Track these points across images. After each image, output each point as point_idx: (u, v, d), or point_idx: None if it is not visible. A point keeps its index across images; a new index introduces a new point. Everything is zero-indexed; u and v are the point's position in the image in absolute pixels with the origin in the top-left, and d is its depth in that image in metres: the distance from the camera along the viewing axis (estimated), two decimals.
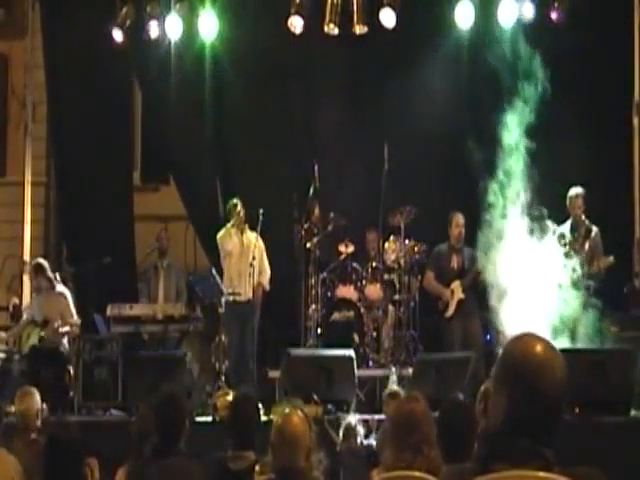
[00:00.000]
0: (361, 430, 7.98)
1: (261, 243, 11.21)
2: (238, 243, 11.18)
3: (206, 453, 5.37)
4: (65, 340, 10.89)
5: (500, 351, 2.48)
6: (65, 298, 10.96)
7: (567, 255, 10.38)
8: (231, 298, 10.98)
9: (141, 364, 10.43)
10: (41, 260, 11.43)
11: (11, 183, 14.32)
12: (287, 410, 4.62)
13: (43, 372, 10.34)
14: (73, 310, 10.97)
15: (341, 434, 8.01)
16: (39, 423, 6.64)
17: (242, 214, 11.13)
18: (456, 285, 11.01)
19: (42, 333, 10.64)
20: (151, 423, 5.13)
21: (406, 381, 10.11)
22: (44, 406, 7.58)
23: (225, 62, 12.57)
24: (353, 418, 8.29)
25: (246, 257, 11.07)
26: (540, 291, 9.82)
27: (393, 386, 9.38)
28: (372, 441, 7.83)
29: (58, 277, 11.28)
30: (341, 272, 11.71)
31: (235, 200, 11.25)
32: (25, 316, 11.23)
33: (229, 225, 11.25)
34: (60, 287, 11.13)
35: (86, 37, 12.81)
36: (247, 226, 11.21)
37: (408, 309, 11.39)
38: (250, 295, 10.98)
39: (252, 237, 11.18)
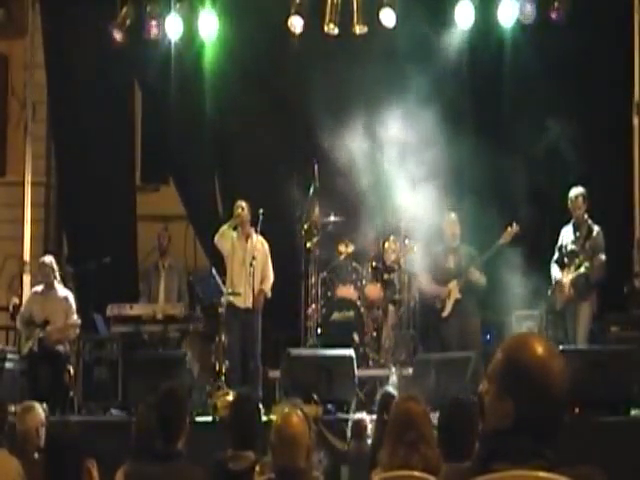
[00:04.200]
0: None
1: (266, 248, 11.02)
2: (239, 248, 10.88)
3: (206, 453, 5.36)
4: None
5: (498, 353, 2.43)
6: (67, 301, 10.93)
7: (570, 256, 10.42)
8: (231, 298, 10.89)
9: (141, 364, 10.41)
10: (50, 257, 11.43)
11: (11, 183, 14.29)
12: (287, 410, 4.61)
13: (43, 372, 10.33)
14: (75, 315, 10.94)
15: (349, 432, 7.93)
16: (41, 442, 6.20)
17: (243, 216, 10.84)
18: (453, 285, 11.01)
19: (41, 335, 10.61)
20: (151, 422, 5.12)
21: (406, 381, 10.10)
22: (44, 406, 7.51)
23: (225, 62, 12.56)
24: (363, 416, 8.19)
25: (248, 265, 10.75)
26: None
27: (386, 387, 9.28)
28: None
29: (58, 277, 11.27)
30: (341, 272, 11.70)
31: (238, 202, 10.95)
32: (22, 310, 11.14)
33: (225, 226, 10.97)
34: (64, 290, 11.11)
35: (86, 37, 12.82)
36: (253, 230, 10.91)
37: (408, 309, 11.38)
38: (250, 302, 10.71)
39: (257, 243, 10.93)
